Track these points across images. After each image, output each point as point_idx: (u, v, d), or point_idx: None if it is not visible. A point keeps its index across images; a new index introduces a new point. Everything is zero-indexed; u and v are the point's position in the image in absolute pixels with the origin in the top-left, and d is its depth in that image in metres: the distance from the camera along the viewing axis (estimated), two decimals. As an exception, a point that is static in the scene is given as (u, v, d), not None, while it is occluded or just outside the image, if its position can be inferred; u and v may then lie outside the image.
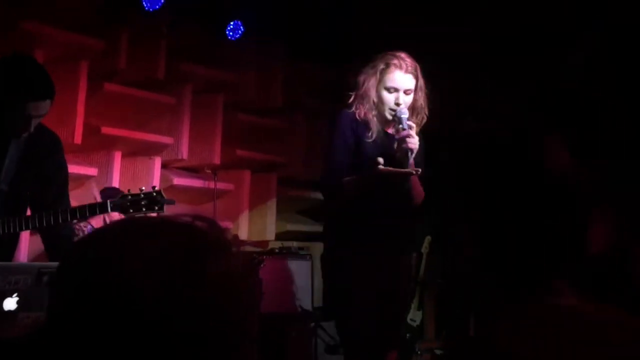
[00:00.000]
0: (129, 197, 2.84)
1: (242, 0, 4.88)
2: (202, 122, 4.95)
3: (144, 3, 4.32)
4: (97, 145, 4.38)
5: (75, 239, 3.08)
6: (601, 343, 1.13)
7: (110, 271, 0.85)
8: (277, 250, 5.14)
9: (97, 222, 3.53)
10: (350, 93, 3.16)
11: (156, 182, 4.50)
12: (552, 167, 1.28)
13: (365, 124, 3.09)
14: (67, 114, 3.99)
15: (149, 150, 4.65)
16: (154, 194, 2.87)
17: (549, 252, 1.24)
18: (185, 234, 0.92)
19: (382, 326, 3.07)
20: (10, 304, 2.27)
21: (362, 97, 3.09)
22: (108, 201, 2.80)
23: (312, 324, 4.61)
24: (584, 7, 3.88)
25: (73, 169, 3.75)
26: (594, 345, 1.13)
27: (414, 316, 4.85)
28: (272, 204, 5.40)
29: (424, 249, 4.91)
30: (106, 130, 4.32)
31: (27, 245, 3.84)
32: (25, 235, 3.63)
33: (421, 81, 3.10)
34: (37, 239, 3.17)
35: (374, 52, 3.17)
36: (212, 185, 4.82)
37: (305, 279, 4.97)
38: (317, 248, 5.52)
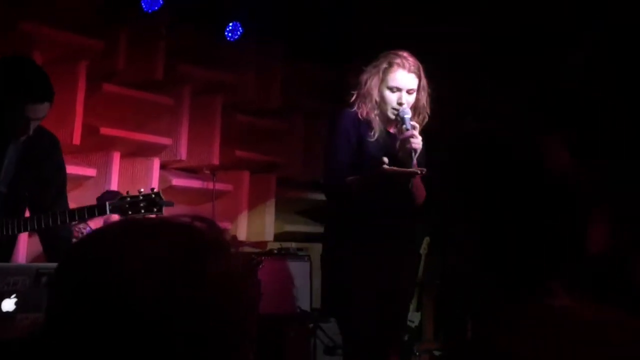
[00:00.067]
0: (128, 199, 2.84)
1: (242, 0, 4.88)
2: (200, 123, 4.95)
3: (142, 4, 4.32)
4: (95, 146, 4.38)
5: (74, 240, 3.08)
6: (601, 343, 1.13)
7: (110, 271, 0.85)
8: (275, 251, 5.14)
9: (95, 223, 3.53)
10: (352, 92, 3.15)
11: (155, 183, 4.50)
12: (552, 167, 1.28)
13: (368, 124, 3.08)
14: (65, 115, 3.98)
15: (147, 151, 4.65)
16: (153, 195, 2.87)
17: (548, 252, 1.23)
18: (185, 234, 0.92)
19: (383, 326, 3.06)
20: (9, 305, 2.27)
21: (365, 97, 3.09)
22: (107, 203, 2.81)
23: (311, 325, 4.61)
24: (584, 7, 3.89)
25: (72, 169, 3.75)
26: (594, 345, 1.13)
27: (413, 317, 4.85)
28: (270, 205, 5.40)
29: (423, 250, 4.90)
30: (105, 130, 4.32)
31: (26, 247, 3.83)
32: (23, 237, 3.63)
33: (424, 81, 3.09)
34: (36, 240, 3.17)
35: (374, 52, 3.16)
36: (210, 186, 4.81)
37: (304, 280, 4.97)
38: (316, 249, 5.51)
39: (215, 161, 4.93)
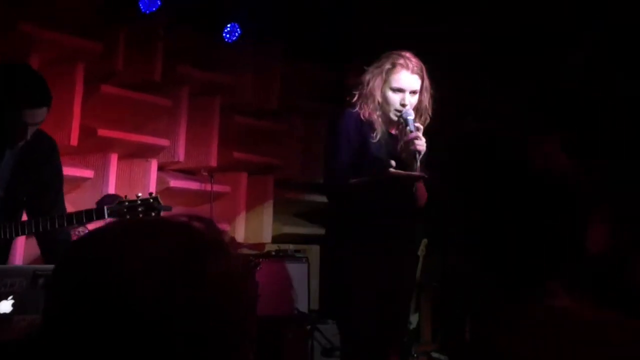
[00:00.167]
0: (126, 203, 2.84)
1: (241, 1, 4.88)
2: (198, 125, 4.94)
3: (140, 5, 4.32)
4: (93, 148, 4.37)
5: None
6: (601, 343, 1.13)
7: (110, 271, 0.85)
8: (273, 253, 5.14)
9: (94, 226, 3.52)
10: (354, 92, 3.14)
11: (152, 185, 4.49)
12: (552, 167, 1.28)
13: (370, 125, 3.07)
14: (63, 116, 3.97)
15: (145, 152, 4.64)
16: (151, 200, 2.88)
17: (548, 253, 1.23)
18: (185, 234, 0.91)
19: (383, 327, 3.05)
20: (6, 306, 2.26)
21: (367, 97, 3.07)
22: (105, 207, 2.81)
23: (309, 327, 4.60)
24: (584, 7, 3.88)
25: (69, 171, 3.75)
26: (594, 346, 1.13)
27: (411, 319, 4.85)
28: (268, 207, 5.39)
29: (421, 251, 4.90)
30: (102, 132, 4.31)
31: (23, 249, 3.82)
32: (20, 239, 3.62)
33: (426, 82, 3.08)
34: (33, 242, 3.16)
35: (374, 52, 3.15)
36: (208, 187, 4.81)
37: (301, 282, 4.97)
38: (314, 251, 5.52)
39: (213, 162, 4.92)
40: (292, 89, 5.56)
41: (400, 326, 3.27)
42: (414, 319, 4.94)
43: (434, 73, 3.11)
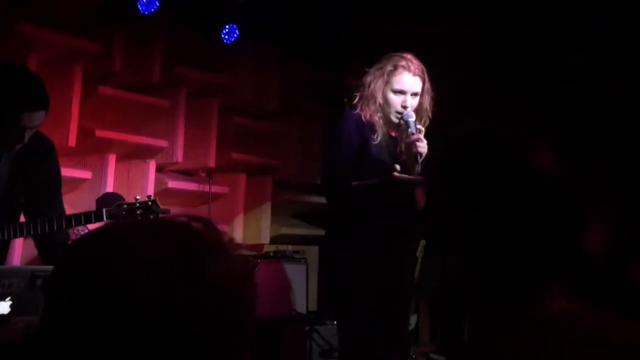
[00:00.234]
0: (125, 205, 2.84)
1: (240, 1, 4.87)
2: (197, 125, 4.94)
3: (139, 6, 4.32)
4: (91, 148, 4.37)
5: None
6: (600, 343, 1.13)
7: (109, 272, 0.84)
8: (271, 254, 5.13)
9: (93, 227, 3.52)
10: (355, 94, 3.13)
11: (151, 185, 4.49)
12: (541, 167, 1.27)
13: (371, 126, 3.07)
14: (61, 117, 3.97)
15: (143, 153, 4.64)
16: (150, 202, 2.87)
17: (548, 253, 1.23)
18: (184, 234, 0.91)
19: (383, 327, 3.05)
20: (3, 307, 2.25)
21: (368, 99, 3.07)
22: (104, 210, 2.80)
23: (307, 328, 4.60)
24: (584, 7, 3.88)
25: (67, 172, 3.74)
26: (593, 346, 1.13)
27: (409, 320, 4.85)
28: (267, 208, 5.39)
29: (419, 252, 4.90)
30: (101, 133, 4.31)
31: (21, 249, 3.82)
32: (18, 240, 3.62)
33: (428, 84, 3.07)
34: (30, 243, 3.15)
35: (374, 53, 3.15)
36: (206, 188, 4.81)
37: (300, 283, 4.96)
38: (312, 252, 5.52)
39: (212, 163, 4.92)
40: (291, 89, 5.56)
41: (400, 326, 3.25)
42: (412, 319, 4.93)
43: (434, 73, 3.11)
